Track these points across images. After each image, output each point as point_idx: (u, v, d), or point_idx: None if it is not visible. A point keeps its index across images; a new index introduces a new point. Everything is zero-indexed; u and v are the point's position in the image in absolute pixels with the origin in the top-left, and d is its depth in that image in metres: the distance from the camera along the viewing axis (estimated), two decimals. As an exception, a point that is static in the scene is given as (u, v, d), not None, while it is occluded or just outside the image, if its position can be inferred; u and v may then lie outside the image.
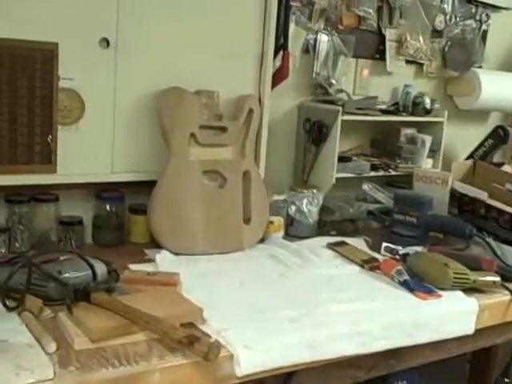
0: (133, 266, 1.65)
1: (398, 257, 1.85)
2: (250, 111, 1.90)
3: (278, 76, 2.00)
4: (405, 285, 1.67)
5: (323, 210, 2.20)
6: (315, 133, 2.13)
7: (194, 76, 1.82)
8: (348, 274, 1.76)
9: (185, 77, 1.79)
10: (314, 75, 2.17)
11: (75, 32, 1.63)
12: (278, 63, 1.98)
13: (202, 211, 1.81)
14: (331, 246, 1.95)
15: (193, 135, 1.80)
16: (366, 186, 2.21)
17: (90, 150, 1.72)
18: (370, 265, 1.80)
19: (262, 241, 1.97)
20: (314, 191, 2.09)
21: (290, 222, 2.08)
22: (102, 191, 1.84)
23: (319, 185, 2.14)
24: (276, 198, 2.02)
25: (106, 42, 1.68)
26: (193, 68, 1.82)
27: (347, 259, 1.87)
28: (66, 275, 1.39)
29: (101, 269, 1.48)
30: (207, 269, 1.71)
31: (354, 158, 2.23)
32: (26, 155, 1.62)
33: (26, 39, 1.56)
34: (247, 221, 1.90)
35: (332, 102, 2.15)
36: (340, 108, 2.07)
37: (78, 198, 1.84)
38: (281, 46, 1.98)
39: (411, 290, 1.64)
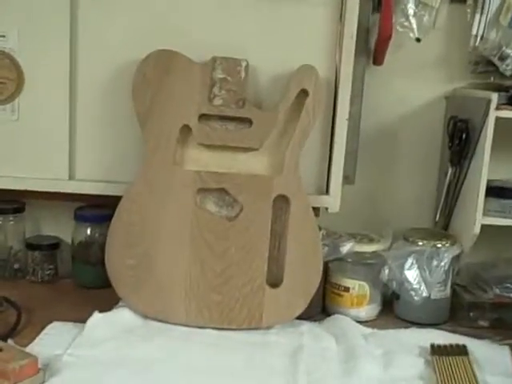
0: (56, 325, 1.07)
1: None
2: (302, 93, 1.10)
3: (378, 38, 1.15)
4: None
5: (475, 281, 1.24)
6: (455, 141, 1.19)
7: (209, 36, 1.11)
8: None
9: (191, 37, 1.11)
10: (472, 41, 1.22)
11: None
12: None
13: (192, 257, 1.09)
14: (433, 353, 1.03)
15: (187, 129, 1.10)
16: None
17: (35, 143, 1.15)
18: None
19: (326, 315, 1.17)
20: (439, 245, 1.16)
21: (394, 294, 1.20)
22: (82, 208, 1.26)
23: (458, 233, 1.20)
24: (359, 248, 1.16)
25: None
26: (207, 23, 1.12)
27: (435, 388, 0.94)
28: None
29: None
30: (155, 354, 1.00)
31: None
32: None
33: None
34: (276, 282, 1.11)
35: (504, 90, 1.18)
36: (494, 96, 1.10)
37: (58, 214, 1.31)
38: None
39: None
